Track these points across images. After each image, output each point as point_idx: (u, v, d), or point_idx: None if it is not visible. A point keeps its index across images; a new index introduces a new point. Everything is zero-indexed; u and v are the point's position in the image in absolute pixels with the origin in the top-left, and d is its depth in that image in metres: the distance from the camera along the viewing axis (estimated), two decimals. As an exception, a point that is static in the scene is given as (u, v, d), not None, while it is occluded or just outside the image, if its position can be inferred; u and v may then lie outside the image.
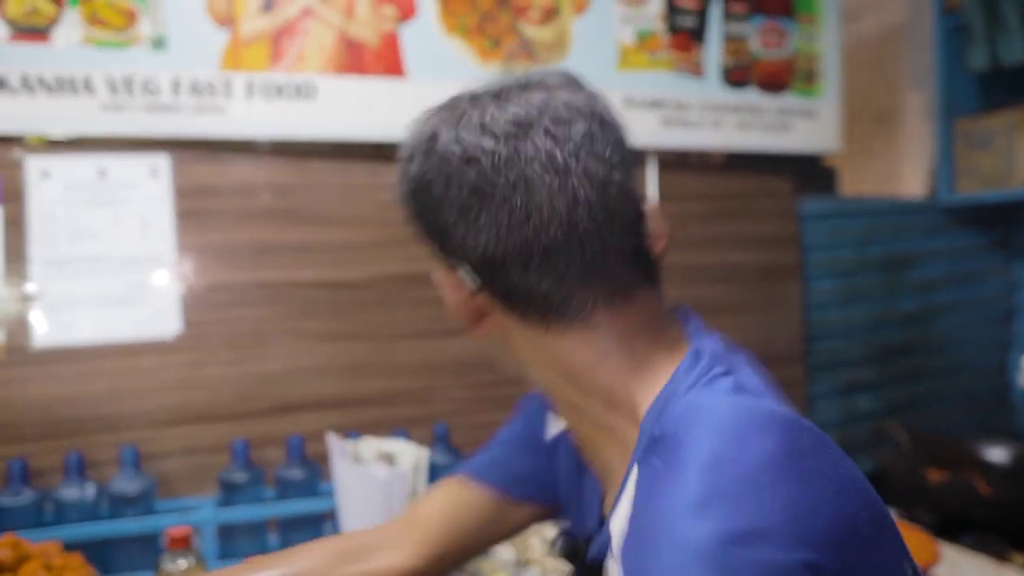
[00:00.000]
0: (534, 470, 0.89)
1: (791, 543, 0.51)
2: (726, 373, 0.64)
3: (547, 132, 0.61)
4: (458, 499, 0.88)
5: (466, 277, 0.67)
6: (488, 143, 0.61)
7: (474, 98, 0.65)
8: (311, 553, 0.86)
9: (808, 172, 2.32)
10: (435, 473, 1.61)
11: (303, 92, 1.65)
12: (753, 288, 2.18)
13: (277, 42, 1.63)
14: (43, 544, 1.27)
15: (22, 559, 1.20)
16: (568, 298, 0.64)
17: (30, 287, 1.52)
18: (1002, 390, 2.67)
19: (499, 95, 0.64)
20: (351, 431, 1.63)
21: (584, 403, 0.69)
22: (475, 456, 0.93)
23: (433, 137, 0.65)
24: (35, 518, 1.44)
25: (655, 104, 1.98)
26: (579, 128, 0.62)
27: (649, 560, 0.52)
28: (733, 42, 2.08)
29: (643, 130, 1.97)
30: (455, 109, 0.65)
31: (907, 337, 2.49)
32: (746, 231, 2.18)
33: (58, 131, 1.53)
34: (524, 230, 0.61)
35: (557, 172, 0.60)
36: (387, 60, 1.70)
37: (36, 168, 1.53)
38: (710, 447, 0.56)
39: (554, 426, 0.88)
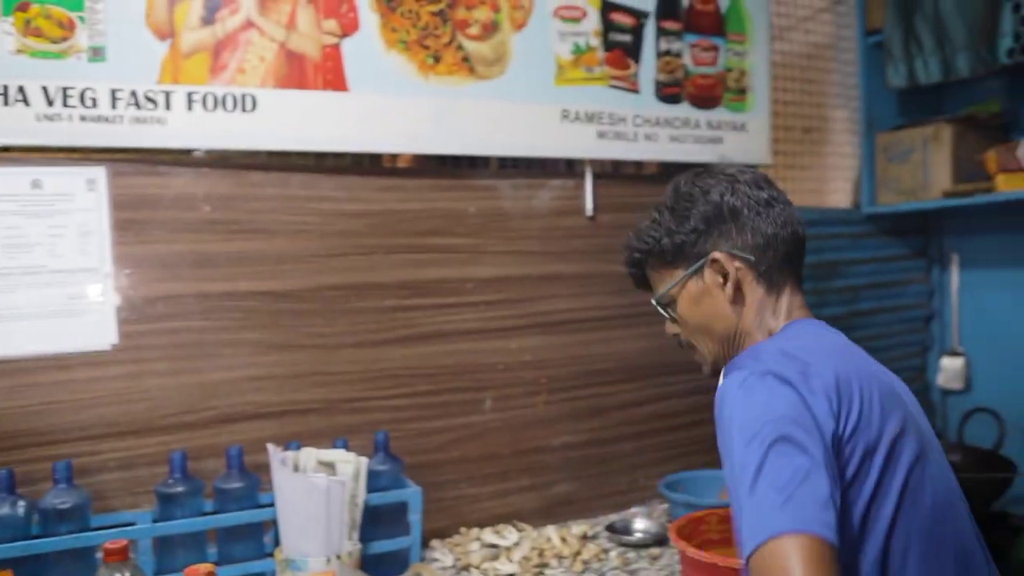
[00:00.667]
0: None
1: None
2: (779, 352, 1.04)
3: (771, 196, 1.16)
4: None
5: (743, 257, 1.13)
6: (757, 194, 1.15)
7: (733, 176, 1.17)
8: None
9: (739, 184, 2.40)
10: (375, 480, 1.63)
11: (243, 105, 1.65)
12: (687, 296, 2.25)
13: (217, 55, 1.64)
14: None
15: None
16: (774, 275, 1.14)
17: (-39, 299, 1.50)
18: (922, 390, 2.80)
19: (753, 180, 1.17)
20: (291, 441, 1.64)
21: (732, 342, 1.16)
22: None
23: (709, 191, 1.16)
24: (-35, 535, 1.41)
25: (591, 117, 2.04)
26: (775, 200, 1.16)
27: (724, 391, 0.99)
28: (667, 58, 2.15)
29: (579, 143, 2.03)
30: (726, 176, 1.17)
31: (834, 342, 2.59)
32: (680, 241, 2.24)
33: (-10, 141, 1.52)
34: (765, 235, 1.14)
35: (773, 215, 1.15)
36: (329, 74, 1.72)
37: (-33, 178, 1.51)
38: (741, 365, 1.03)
39: None
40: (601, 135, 2.06)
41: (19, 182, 1.55)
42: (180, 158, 1.66)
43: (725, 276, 1.13)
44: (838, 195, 2.77)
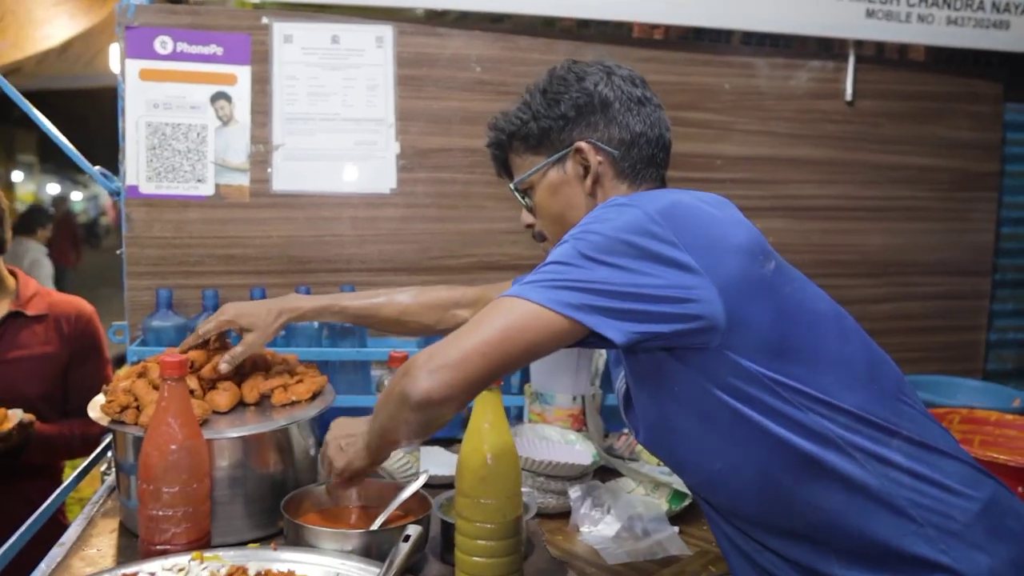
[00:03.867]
0: None
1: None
2: None
3: (644, 95, 1.10)
4: None
5: (608, 151, 1.08)
6: (631, 90, 1.09)
7: (610, 69, 1.10)
8: (432, 294, 1.41)
9: (1020, 77, 2.20)
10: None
11: (518, -32, 1.73)
12: (944, 194, 2.13)
13: (497, -82, 1.71)
14: (285, 355, 1.48)
15: (271, 364, 1.41)
16: (636, 175, 1.09)
17: (271, 138, 1.72)
18: None
19: (628, 77, 1.10)
20: (540, 293, 1.76)
21: None
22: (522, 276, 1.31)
23: (584, 78, 1.09)
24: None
25: (862, -6, 1.93)
26: (647, 100, 1.10)
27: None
28: (954, -69, 1.97)
29: (845, 21, 1.93)
30: (603, 67, 1.09)
31: (1108, 263, 2.35)
32: (943, 135, 2.11)
33: (301, -2, 1.70)
34: (632, 133, 1.08)
35: (644, 114, 1.09)
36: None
37: (280, 32, 1.71)
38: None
39: None
40: (870, 14, 1.95)
41: (321, 37, 1.73)
42: (456, 20, 1.78)
43: (587, 168, 1.08)
44: None
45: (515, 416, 1.70)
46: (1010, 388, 2.03)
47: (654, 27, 1.94)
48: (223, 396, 1.25)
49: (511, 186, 1.17)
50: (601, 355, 1.63)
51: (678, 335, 0.86)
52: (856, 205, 2.05)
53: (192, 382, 1.26)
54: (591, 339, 0.87)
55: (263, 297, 1.65)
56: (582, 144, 1.08)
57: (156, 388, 1.21)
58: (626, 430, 1.66)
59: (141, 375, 1.27)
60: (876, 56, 2.07)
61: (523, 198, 1.16)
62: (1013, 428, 1.58)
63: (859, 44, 2.00)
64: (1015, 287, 2.27)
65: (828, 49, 2.02)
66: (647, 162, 1.10)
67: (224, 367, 1.27)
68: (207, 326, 1.31)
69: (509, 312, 0.86)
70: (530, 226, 1.19)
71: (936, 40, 2.02)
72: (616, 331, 0.85)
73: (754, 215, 1.91)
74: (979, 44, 2.03)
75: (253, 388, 1.29)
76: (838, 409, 0.89)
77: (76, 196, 18.84)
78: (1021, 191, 2.23)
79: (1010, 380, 2.24)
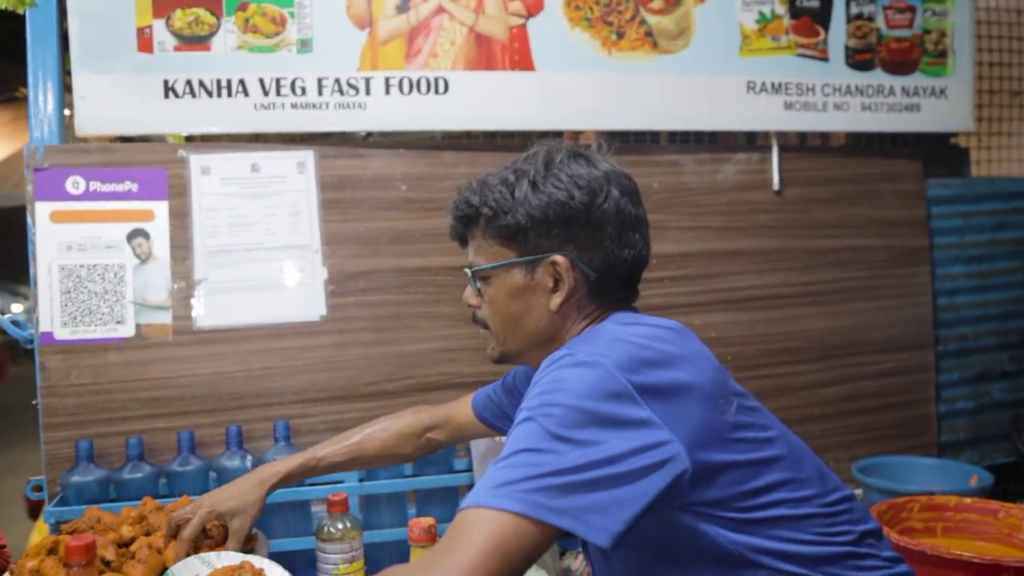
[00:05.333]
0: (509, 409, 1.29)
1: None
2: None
3: (638, 217, 1.03)
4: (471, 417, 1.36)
5: (586, 272, 0.99)
6: (629, 209, 1.01)
7: (610, 179, 1.01)
8: (402, 423, 1.38)
9: (937, 154, 2.26)
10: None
11: (436, 87, 1.73)
12: (880, 273, 2.14)
13: (411, 40, 1.72)
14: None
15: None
16: (608, 294, 1.01)
17: (193, 273, 1.66)
18: None
19: (629, 191, 1.03)
20: (483, 410, 1.70)
21: (540, 345, 1.02)
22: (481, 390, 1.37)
23: (582, 185, 0.99)
24: (202, 485, 1.57)
25: (777, 88, 1.97)
26: (640, 222, 1.04)
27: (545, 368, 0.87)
28: (858, 23, 2.04)
29: (764, 114, 1.97)
30: (604, 176, 1.01)
31: (1045, 324, 2.38)
32: (871, 215, 2.14)
33: (217, 130, 1.67)
34: (617, 257, 1.00)
35: (633, 240, 1.02)
36: (516, 54, 1.77)
37: (198, 164, 1.67)
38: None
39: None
40: (788, 106, 1.99)
41: (240, 166, 1.70)
42: (378, 140, 1.76)
43: (558, 282, 0.98)
44: (1051, 164, 2.54)
45: (465, 545, 1.62)
46: (966, 464, 2.01)
47: (580, 132, 1.95)
48: (139, 569, 1.15)
49: (465, 268, 1.06)
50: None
51: (655, 502, 0.80)
52: (796, 291, 2.05)
53: (109, 552, 1.18)
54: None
55: (191, 440, 1.57)
56: (559, 258, 0.97)
57: (66, 566, 1.12)
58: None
59: (51, 551, 1.17)
60: (799, 145, 2.11)
61: (474, 281, 1.05)
62: (973, 511, 1.55)
63: (781, 135, 2.04)
64: (957, 356, 2.27)
65: (752, 141, 2.06)
66: (624, 285, 1.02)
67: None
68: (189, 529, 1.18)
69: (490, 528, 0.75)
70: (472, 306, 1.08)
71: (853, 127, 2.07)
72: (602, 535, 0.77)
73: (695, 311, 1.93)
74: (894, 127, 2.09)
75: (176, 554, 1.20)
76: (786, 570, 0.87)
77: (17, 307, 18.35)
78: (951, 262, 2.25)
79: (964, 450, 2.23)
